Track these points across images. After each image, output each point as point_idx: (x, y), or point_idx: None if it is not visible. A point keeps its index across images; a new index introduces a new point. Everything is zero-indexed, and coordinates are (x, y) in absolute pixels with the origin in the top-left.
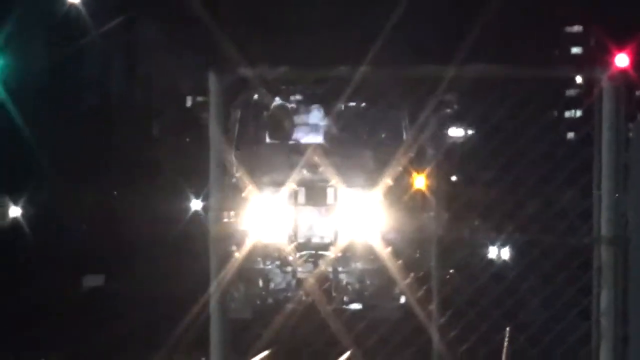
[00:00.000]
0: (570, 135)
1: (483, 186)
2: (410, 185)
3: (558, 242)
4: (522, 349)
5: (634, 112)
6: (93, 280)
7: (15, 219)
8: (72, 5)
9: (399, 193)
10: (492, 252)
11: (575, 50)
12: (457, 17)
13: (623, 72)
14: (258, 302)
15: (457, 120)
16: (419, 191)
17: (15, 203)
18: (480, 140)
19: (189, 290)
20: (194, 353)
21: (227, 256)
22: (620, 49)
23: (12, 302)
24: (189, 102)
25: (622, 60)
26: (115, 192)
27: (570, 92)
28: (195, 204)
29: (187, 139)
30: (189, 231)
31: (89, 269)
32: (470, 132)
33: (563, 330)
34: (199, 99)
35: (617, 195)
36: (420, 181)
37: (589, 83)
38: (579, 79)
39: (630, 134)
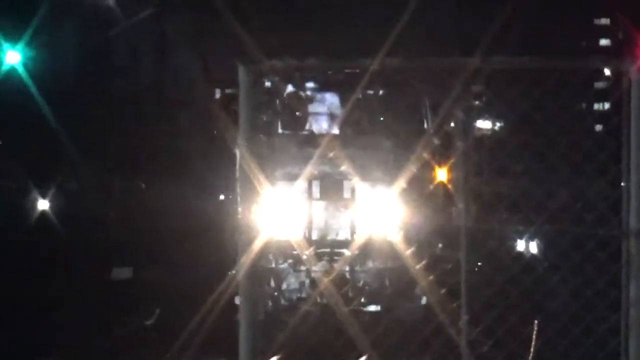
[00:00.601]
0: (599, 127)
1: (512, 178)
2: (432, 178)
3: (587, 234)
4: (552, 340)
5: None
6: (122, 273)
7: (43, 212)
8: None
9: (421, 186)
10: (520, 245)
11: (604, 42)
12: (484, 7)
13: None
14: (270, 302)
15: (485, 112)
16: (441, 184)
17: (44, 196)
18: (509, 132)
19: (212, 281)
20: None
21: (251, 250)
22: None
23: (39, 296)
24: (217, 95)
25: None
26: (142, 184)
27: (599, 84)
28: (220, 196)
29: (215, 132)
30: (214, 223)
31: (117, 262)
32: (498, 124)
33: (593, 321)
34: (228, 91)
35: None
36: (442, 174)
37: (617, 75)
38: (607, 72)
39: None
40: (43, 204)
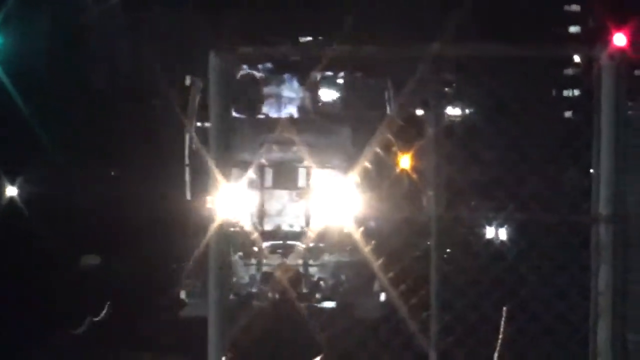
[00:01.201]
0: (569, 114)
1: (482, 165)
2: (394, 166)
3: (558, 220)
4: (523, 328)
5: (632, 91)
6: (90, 260)
7: (11, 198)
8: None
9: (383, 174)
10: (490, 232)
11: (574, 29)
12: None
13: (621, 51)
14: None
15: (456, 99)
16: (404, 171)
17: (13, 183)
18: (479, 119)
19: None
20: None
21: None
22: (619, 28)
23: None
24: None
25: (620, 39)
26: (112, 173)
27: (569, 71)
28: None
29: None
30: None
31: (86, 250)
32: (468, 111)
33: (564, 308)
34: (188, 79)
35: (615, 173)
36: (405, 161)
37: (587, 62)
38: (577, 59)
39: (630, 113)
40: (11, 191)
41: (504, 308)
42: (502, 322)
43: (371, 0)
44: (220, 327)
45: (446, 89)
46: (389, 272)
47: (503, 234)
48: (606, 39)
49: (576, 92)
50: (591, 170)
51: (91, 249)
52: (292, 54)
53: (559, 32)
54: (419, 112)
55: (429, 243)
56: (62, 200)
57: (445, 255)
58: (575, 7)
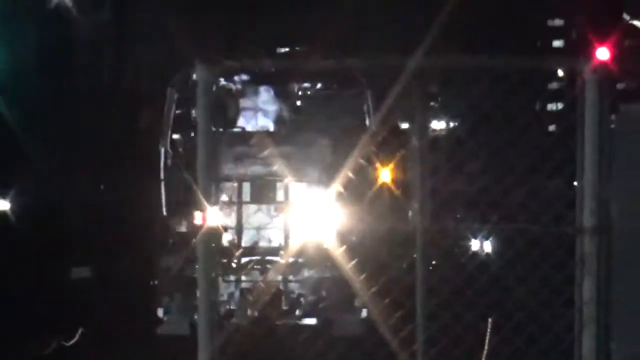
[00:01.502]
0: (552, 127)
1: (467, 177)
2: (375, 179)
3: (542, 232)
4: (508, 338)
5: (615, 104)
6: (81, 272)
7: (2, 212)
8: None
9: (362, 188)
10: (475, 244)
11: (557, 43)
12: (437, 8)
13: (604, 64)
14: (196, 316)
15: (440, 112)
16: (385, 184)
17: (3, 196)
18: (464, 132)
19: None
20: None
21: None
22: (602, 42)
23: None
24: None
25: (603, 53)
26: (101, 185)
27: (553, 85)
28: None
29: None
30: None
31: (77, 261)
32: (452, 124)
33: (548, 318)
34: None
35: (599, 185)
36: (386, 174)
37: (571, 75)
38: (560, 73)
39: (613, 126)
40: (3, 205)
41: (489, 319)
42: (487, 333)
43: (353, 10)
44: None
45: (431, 102)
46: (373, 285)
47: (488, 246)
48: (589, 53)
49: (560, 106)
50: (575, 183)
51: (74, 261)
52: (280, 66)
53: (543, 45)
54: (403, 124)
55: (414, 256)
56: (47, 212)
57: (430, 267)
58: (558, 22)
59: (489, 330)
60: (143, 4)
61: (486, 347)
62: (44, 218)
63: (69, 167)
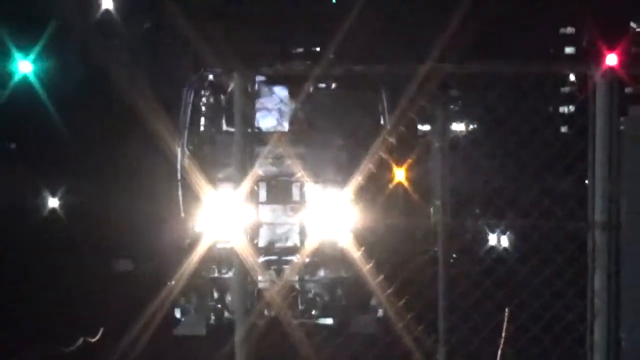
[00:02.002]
0: (564, 129)
1: (485, 175)
2: (391, 179)
3: (556, 227)
4: (524, 327)
5: (623, 107)
6: (124, 265)
7: (53, 209)
8: (103, 10)
9: (378, 187)
10: (493, 239)
11: (569, 50)
12: (453, 16)
13: (613, 69)
14: (213, 316)
15: (460, 115)
16: (401, 184)
17: (53, 195)
18: (482, 133)
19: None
20: None
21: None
22: (610, 49)
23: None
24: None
25: (612, 59)
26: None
27: (565, 89)
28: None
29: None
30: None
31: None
32: (471, 126)
33: (562, 309)
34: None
35: (609, 183)
36: (401, 173)
37: (582, 80)
38: (572, 77)
39: (622, 127)
40: (53, 202)
41: (506, 309)
42: (505, 322)
43: (368, 15)
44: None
45: (452, 106)
46: (396, 278)
47: (505, 241)
48: (599, 59)
49: (571, 108)
50: (586, 181)
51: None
52: (308, 72)
53: (556, 52)
54: (423, 126)
55: (435, 249)
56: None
57: (451, 260)
58: (570, 30)
59: (506, 319)
60: (176, 13)
61: (503, 335)
62: (88, 214)
63: (109, 168)
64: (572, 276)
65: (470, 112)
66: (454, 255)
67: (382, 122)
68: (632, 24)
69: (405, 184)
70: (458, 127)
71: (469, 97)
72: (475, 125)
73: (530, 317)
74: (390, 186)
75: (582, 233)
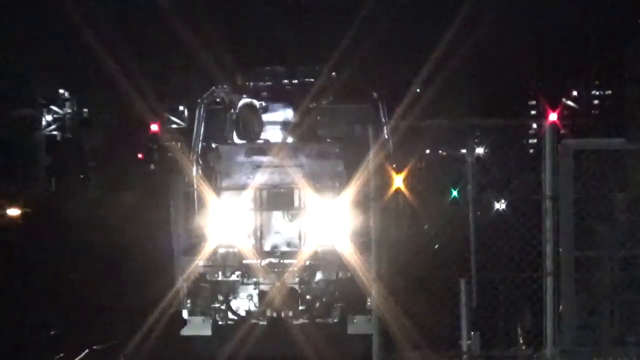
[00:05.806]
0: (531, 150)
1: (494, 174)
2: (388, 187)
3: (528, 198)
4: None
5: (559, 139)
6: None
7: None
8: None
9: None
10: (497, 205)
11: (532, 102)
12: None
13: (554, 121)
14: (218, 316)
15: (478, 143)
16: (398, 192)
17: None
18: (491, 153)
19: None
20: None
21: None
22: (552, 109)
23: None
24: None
25: (553, 116)
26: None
27: (531, 131)
28: None
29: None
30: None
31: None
32: (486, 150)
33: (533, 240)
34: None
35: (552, 176)
36: (399, 181)
37: (539, 126)
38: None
39: (559, 149)
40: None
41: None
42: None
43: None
44: None
45: (475, 139)
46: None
47: (503, 206)
48: (547, 116)
49: (534, 140)
50: (542, 175)
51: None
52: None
53: (523, 104)
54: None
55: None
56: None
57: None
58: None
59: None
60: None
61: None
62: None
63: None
64: (537, 221)
65: (484, 142)
66: (478, 213)
67: (381, 133)
68: (563, 99)
69: (402, 191)
70: (479, 149)
71: (483, 133)
72: (488, 149)
73: (515, 247)
74: (387, 195)
75: (539, 202)
